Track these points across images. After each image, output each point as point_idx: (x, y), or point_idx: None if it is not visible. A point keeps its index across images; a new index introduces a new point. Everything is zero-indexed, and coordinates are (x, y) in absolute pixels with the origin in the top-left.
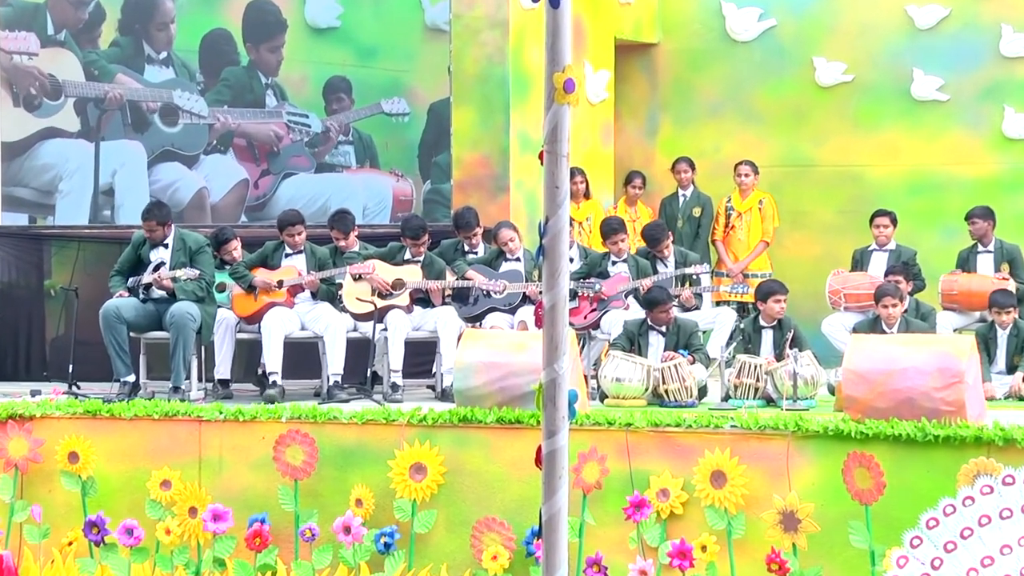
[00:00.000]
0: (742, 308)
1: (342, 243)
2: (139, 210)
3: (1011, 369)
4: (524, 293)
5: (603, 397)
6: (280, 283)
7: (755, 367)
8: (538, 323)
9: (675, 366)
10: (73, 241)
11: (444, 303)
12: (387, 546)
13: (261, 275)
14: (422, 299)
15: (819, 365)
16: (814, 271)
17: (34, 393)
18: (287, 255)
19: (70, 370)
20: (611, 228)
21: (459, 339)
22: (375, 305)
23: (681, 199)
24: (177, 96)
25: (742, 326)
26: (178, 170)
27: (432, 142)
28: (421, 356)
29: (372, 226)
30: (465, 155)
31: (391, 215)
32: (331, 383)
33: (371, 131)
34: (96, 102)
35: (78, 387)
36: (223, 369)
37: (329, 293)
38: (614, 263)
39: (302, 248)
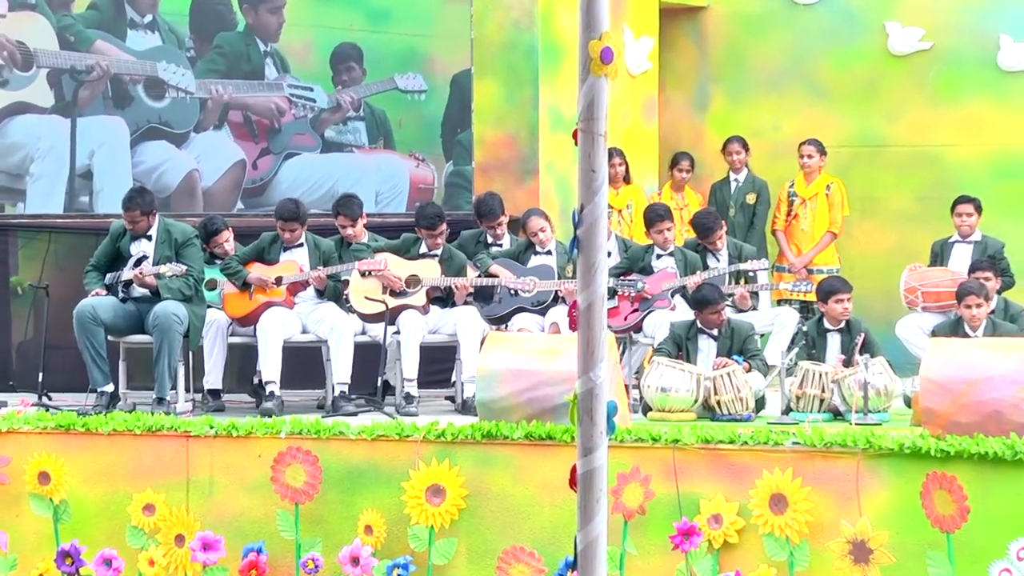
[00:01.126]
0: (805, 308)
1: (348, 232)
2: (121, 196)
3: None
4: (556, 291)
5: (646, 410)
6: (279, 280)
7: (820, 376)
8: (572, 325)
9: (728, 374)
10: (43, 232)
11: (465, 302)
12: None
13: (257, 271)
14: (440, 298)
15: (893, 373)
16: (887, 266)
17: None
18: (286, 248)
19: (39, 379)
20: (655, 217)
21: (482, 343)
22: (386, 305)
23: (733, 184)
24: (162, 69)
25: (805, 329)
26: (165, 150)
27: (456, 118)
28: (439, 363)
29: (385, 215)
30: (488, 134)
31: (408, 202)
32: (336, 394)
33: (385, 106)
34: (72, 73)
35: (49, 398)
36: (213, 378)
37: (334, 291)
38: (658, 257)
39: (303, 241)
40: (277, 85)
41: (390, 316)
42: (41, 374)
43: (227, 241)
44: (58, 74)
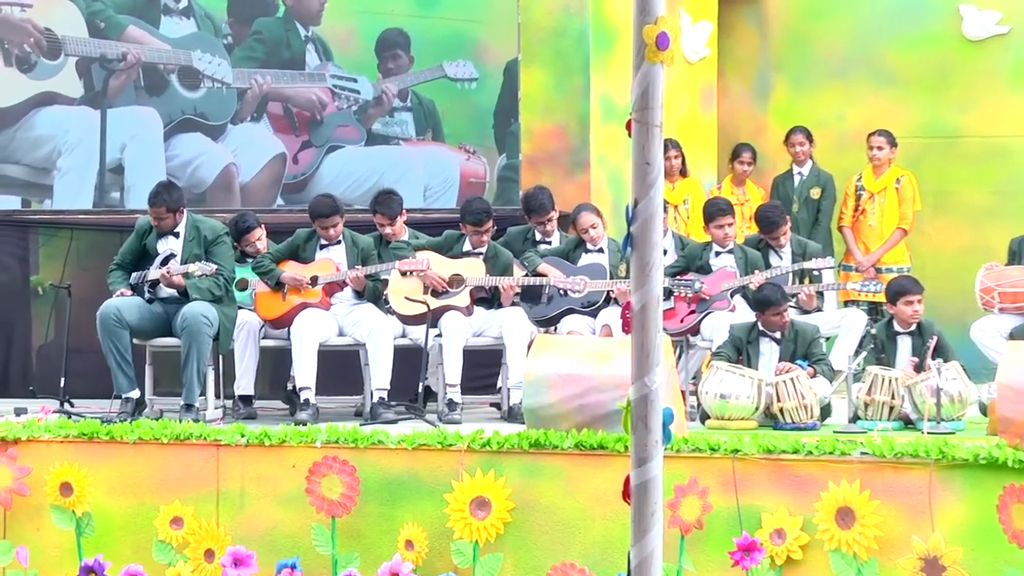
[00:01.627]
0: (874, 309)
1: (387, 231)
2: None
3: None
4: (608, 292)
5: (704, 417)
6: (314, 279)
7: (890, 381)
8: (625, 327)
9: (792, 380)
10: (64, 228)
11: (511, 303)
12: None
13: (291, 270)
14: (485, 299)
15: (968, 379)
16: (961, 264)
17: (18, 412)
18: (322, 246)
19: (61, 384)
20: (715, 211)
21: (529, 347)
22: (428, 306)
23: (797, 178)
24: (197, 58)
25: (874, 331)
26: (201, 143)
27: (508, 108)
28: (483, 367)
29: (433, 211)
30: (536, 125)
31: (458, 198)
32: (375, 400)
33: (434, 96)
34: (102, 62)
35: (71, 404)
36: (245, 383)
37: (373, 292)
38: (717, 255)
39: (340, 238)
40: (319, 75)
41: (432, 318)
42: (63, 379)
43: (259, 239)
44: (87, 63)
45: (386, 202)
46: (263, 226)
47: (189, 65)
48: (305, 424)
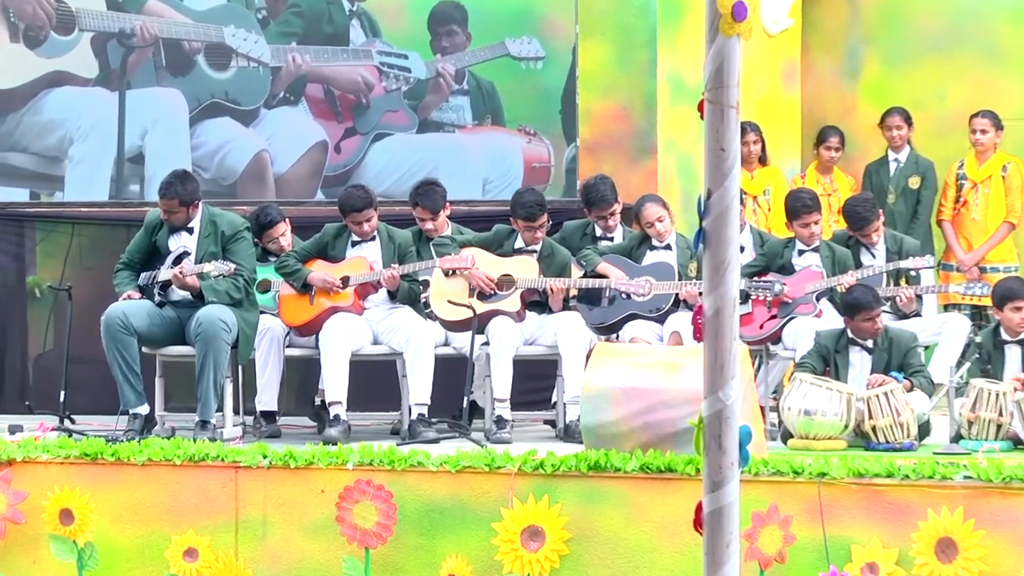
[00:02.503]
0: (978, 315)
1: (428, 226)
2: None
3: None
4: (677, 294)
5: (787, 437)
6: (345, 280)
7: (997, 396)
8: (697, 335)
9: (886, 394)
10: (65, 223)
11: (568, 308)
12: None
13: (319, 269)
14: (538, 302)
15: None
16: None
17: (13, 430)
18: (354, 243)
19: (61, 398)
20: (799, 205)
21: (588, 357)
22: (474, 310)
23: (893, 165)
24: (229, 34)
25: (979, 339)
26: (230, 128)
27: (577, 90)
28: (537, 380)
29: (479, 203)
30: (596, 106)
31: (523, 181)
32: (414, 417)
33: (493, 76)
34: (120, 38)
35: (72, 421)
36: (267, 397)
37: (412, 294)
38: (801, 253)
39: (374, 235)
40: (365, 52)
41: (478, 324)
42: (63, 393)
43: (283, 235)
44: (104, 39)
45: (428, 193)
46: (287, 220)
47: (220, 42)
48: (335, 444)
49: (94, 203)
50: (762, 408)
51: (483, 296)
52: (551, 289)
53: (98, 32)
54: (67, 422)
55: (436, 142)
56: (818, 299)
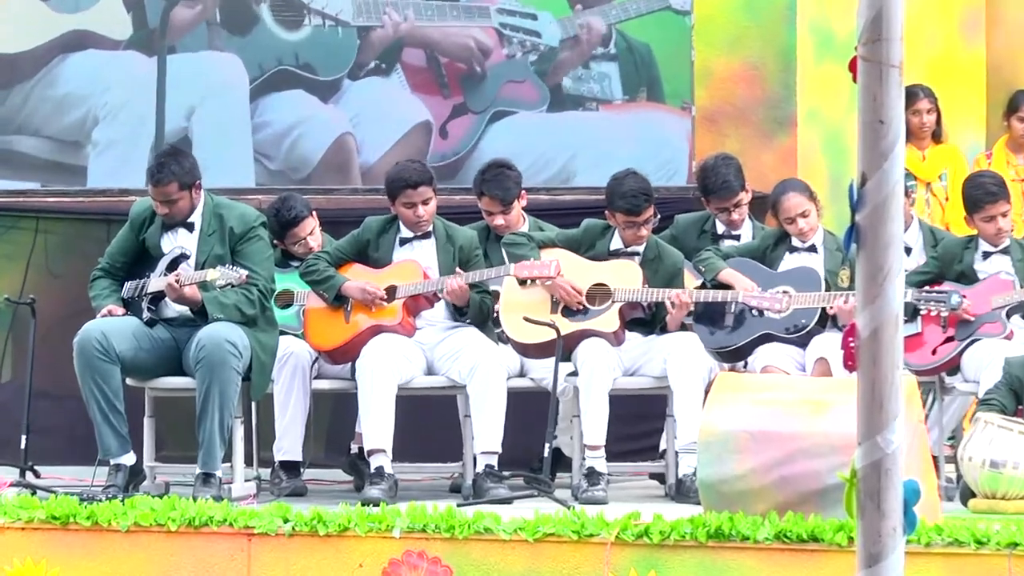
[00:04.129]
0: None
1: (498, 220)
2: (233, 173)
3: None
4: (823, 309)
5: (967, 495)
6: (391, 291)
7: None
8: (848, 362)
9: None
10: (27, 216)
11: (681, 327)
12: None
13: (357, 277)
14: (642, 320)
15: None
16: None
17: None
18: (403, 241)
19: (22, 445)
20: (983, 194)
21: (707, 391)
22: (558, 331)
23: None
24: None
25: None
26: (304, 105)
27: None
28: (639, 421)
29: (562, 190)
30: (717, 64)
31: (688, 174)
32: (480, 469)
33: (650, 37)
34: None
35: (37, 474)
36: (289, 443)
37: (483, 310)
38: (986, 256)
39: (430, 229)
40: (481, 10)
41: (564, 348)
42: (24, 437)
43: (311, 233)
44: None
45: (497, 179)
46: (315, 214)
47: None
48: (377, 504)
49: (64, 191)
50: (934, 458)
51: (570, 312)
52: (669, 303)
53: None
54: (30, 475)
55: (573, 123)
56: (1008, 316)
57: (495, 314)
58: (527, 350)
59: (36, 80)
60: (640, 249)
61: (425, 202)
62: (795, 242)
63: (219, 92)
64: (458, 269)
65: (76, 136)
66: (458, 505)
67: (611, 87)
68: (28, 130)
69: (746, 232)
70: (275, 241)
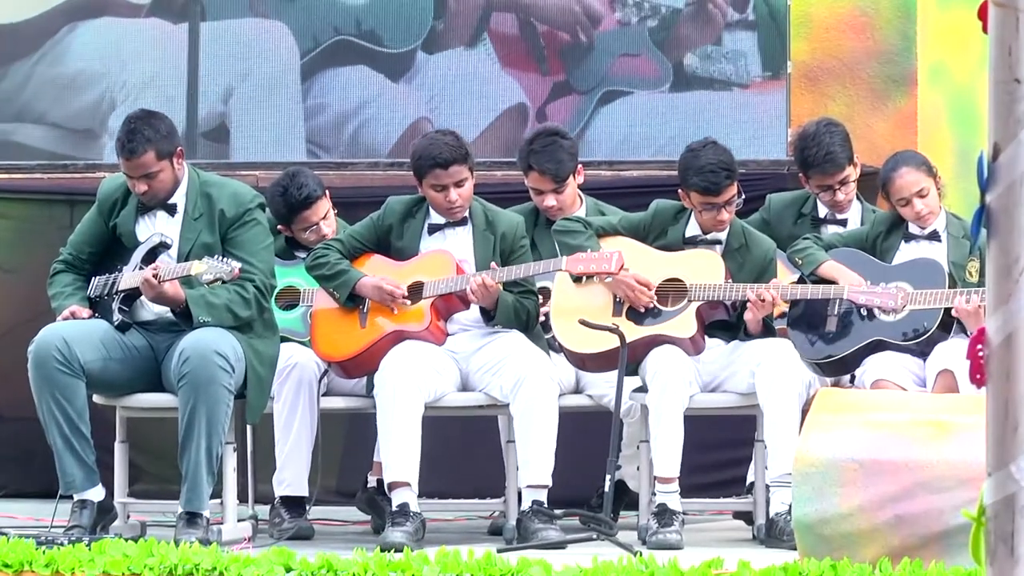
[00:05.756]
0: None
1: (548, 202)
2: (281, 167)
3: None
4: (947, 311)
5: None
6: (416, 289)
7: None
8: (976, 375)
9: None
10: None
11: (767, 331)
12: None
13: (376, 270)
14: (724, 323)
15: None
16: None
17: None
18: (433, 228)
19: None
20: None
21: (805, 411)
22: (622, 337)
23: None
24: None
25: None
26: (369, 84)
27: None
28: (722, 448)
29: (625, 164)
30: (819, 13)
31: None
32: (527, 506)
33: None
34: None
35: None
36: (292, 475)
37: (521, 313)
38: None
39: (465, 214)
40: None
41: (630, 358)
42: None
43: (325, 217)
44: None
45: (548, 151)
46: (328, 195)
47: None
48: (401, 550)
49: (16, 166)
50: None
51: (637, 314)
52: (756, 302)
53: None
54: None
55: (702, 105)
56: None
57: (544, 318)
58: (584, 361)
59: (40, 55)
60: (722, 236)
61: (459, 184)
62: (912, 228)
63: (263, 68)
64: (493, 264)
65: (89, 124)
66: (499, 551)
67: (749, 64)
68: (30, 117)
69: (854, 216)
70: (279, 226)
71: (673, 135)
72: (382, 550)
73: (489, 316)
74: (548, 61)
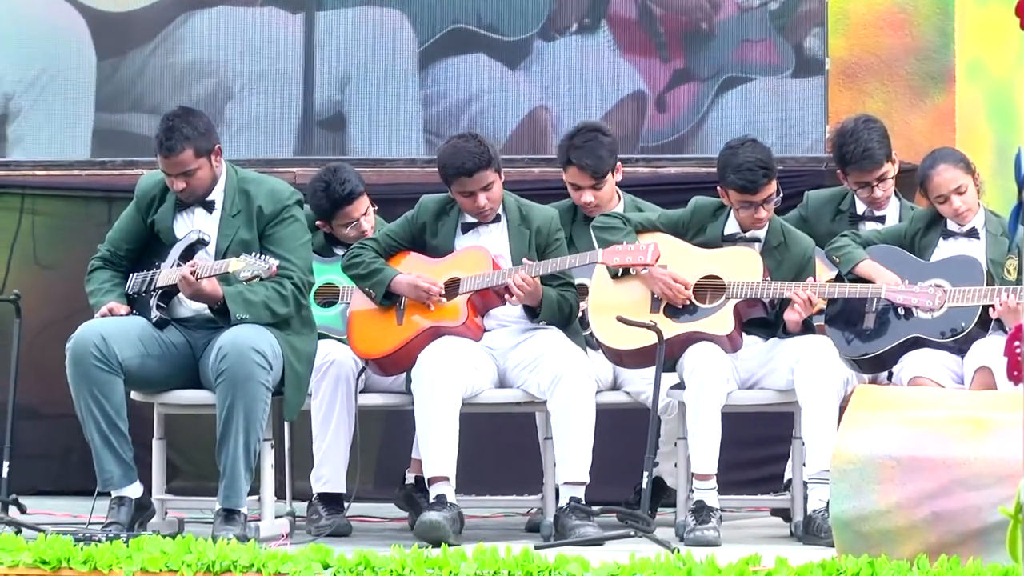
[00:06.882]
0: None
1: (586, 198)
2: (398, 157)
3: None
4: (986, 308)
5: None
6: (452, 285)
7: None
8: (1014, 372)
9: None
10: (11, 194)
11: (806, 329)
12: None
13: (412, 268)
14: (763, 321)
15: None
16: None
17: None
18: (467, 227)
19: (3, 473)
20: None
21: (843, 408)
22: (659, 334)
23: None
24: None
25: None
26: (487, 73)
27: None
28: (758, 446)
29: (663, 160)
30: (856, 8)
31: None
32: (565, 503)
33: None
34: None
35: (22, 509)
36: (330, 472)
37: (562, 309)
38: None
39: (500, 212)
40: None
41: (667, 355)
42: (6, 464)
43: (365, 214)
44: None
45: (588, 146)
46: (365, 192)
47: None
48: (439, 544)
49: (55, 162)
50: None
51: (675, 311)
52: (795, 299)
53: None
54: (14, 510)
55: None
56: None
57: (582, 313)
58: (621, 357)
59: (154, 46)
60: (761, 234)
61: (486, 188)
62: (951, 226)
63: (381, 57)
64: (526, 259)
65: (206, 113)
66: (536, 547)
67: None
68: (144, 107)
69: (892, 213)
70: (318, 222)
71: (797, 124)
72: (418, 531)
73: (534, 313)
74: (668, 47)
